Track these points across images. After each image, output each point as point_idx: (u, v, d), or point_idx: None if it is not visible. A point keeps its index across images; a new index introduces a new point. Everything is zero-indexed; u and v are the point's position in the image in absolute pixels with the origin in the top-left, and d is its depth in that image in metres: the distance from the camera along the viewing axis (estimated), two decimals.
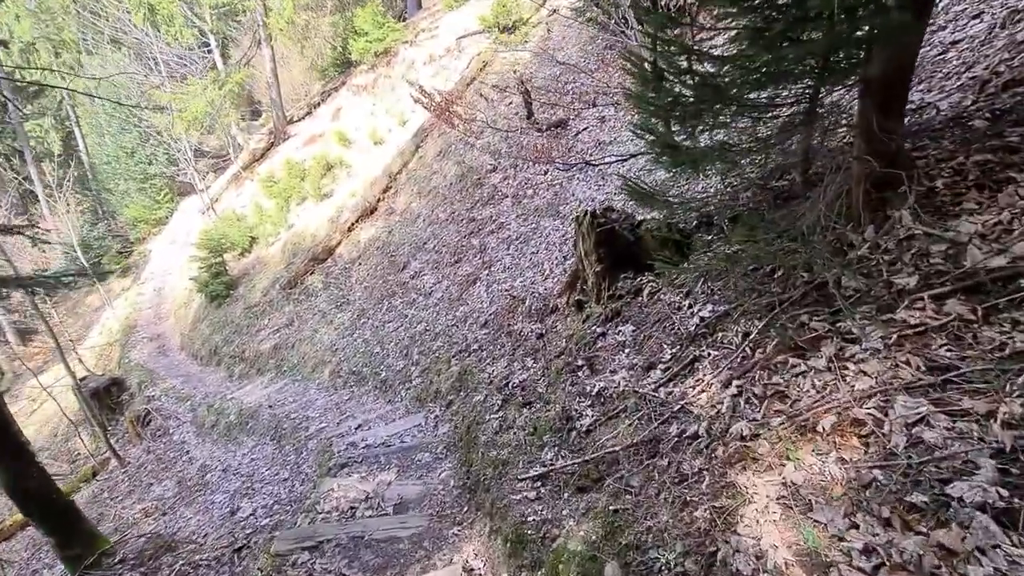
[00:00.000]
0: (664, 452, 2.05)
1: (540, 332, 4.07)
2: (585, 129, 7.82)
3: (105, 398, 9.78)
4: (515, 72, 8.82)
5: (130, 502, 7.58)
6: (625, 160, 4.98)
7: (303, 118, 17.92)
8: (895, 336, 1.80)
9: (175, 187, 22.91)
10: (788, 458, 1.63)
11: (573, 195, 6.61)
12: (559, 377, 3.27)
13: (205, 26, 17.99)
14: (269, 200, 13.49)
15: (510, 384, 3.82)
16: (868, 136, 2.25)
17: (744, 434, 1.83)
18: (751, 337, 2.26)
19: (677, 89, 2.62)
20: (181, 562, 3.19)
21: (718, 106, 2.33)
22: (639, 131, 2.87)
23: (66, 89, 16.84)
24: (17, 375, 16.60)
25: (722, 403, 2.03)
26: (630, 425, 2.36)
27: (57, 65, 28.09)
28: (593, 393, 2.82)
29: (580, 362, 3.20)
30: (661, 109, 2.62)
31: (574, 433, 2.71)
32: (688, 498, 1.76)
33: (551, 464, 2.61)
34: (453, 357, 5.24)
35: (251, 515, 4.35)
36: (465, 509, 3.02)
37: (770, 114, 2.80)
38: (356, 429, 5.41)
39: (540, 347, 3.89)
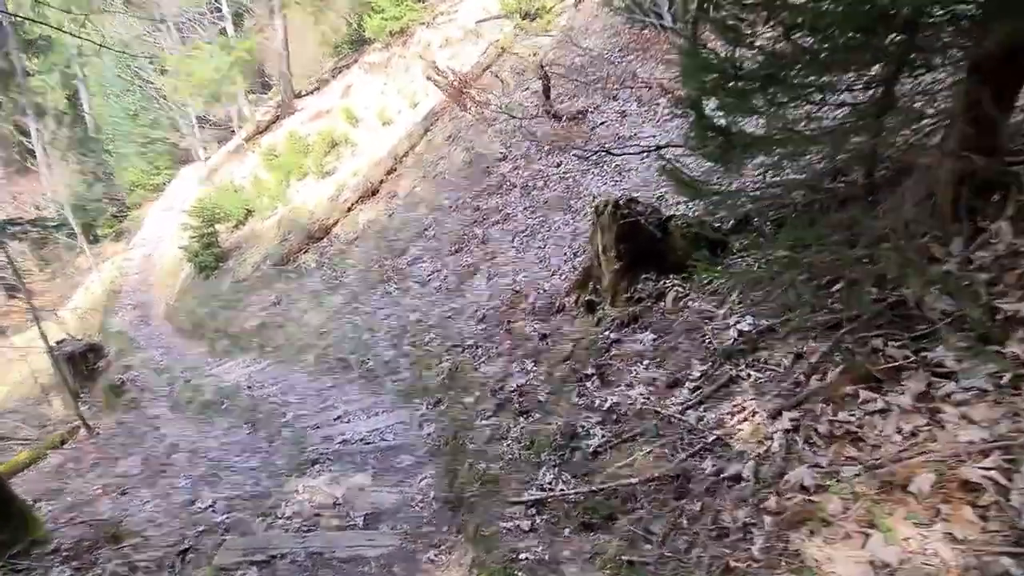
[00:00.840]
0: (696, 494, 1.67)
1: (544, 332, 3.68)
2: (603, 123, 7.42)
3: (81, 364, 9.35)
4: (535, 55, 8.40)
5: (93, 475, 7.15)
6: (651, 151, 4.57)
7: (312, 93, 17.47)
8: (1008, 375, 1.41)
9: (176, 154, 22.47)
10: (873, 525, 1.25)
11: (587, 189, 6.21)
12: (563, 386, 2.88)
13: None
14: (269, 173, 13.06)
15: (506, 388, 3.42)
16: (969, 129, 1.85)
17: (806, 484, 1.45)
18: (806, 360, 1.86)
19: (736, 59, 2.22)
20: (117, 561, 2.81)
21: (799, 78, 1.92)
22: (683, 110, 2.47)
23: (77, 37, 16.26)
24: (1, 331, 16.19)
25: (771, 439, 1.64)
26: (649, 453, 1.98)
27: (68, 21, 27.56)
28: (604, 408, 2.44)
29: (589, 370, 2.81)
30: (715, 84, 2.22)
31: (579, 454, 2.32)
32: (732, 562, 1.38)
33: (550, 488, 2.23)
34: (446, 352, 4.84)
35: (209, 507, 3.94)
36: (445, 529, 2.62)
37: (837, 99, 2.40)
38: (336, 420, 5.01)
39: (543, 349, 3.50)
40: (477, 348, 4.49)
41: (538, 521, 2.08)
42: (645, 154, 5.96)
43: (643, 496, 1.80)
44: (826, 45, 2.00)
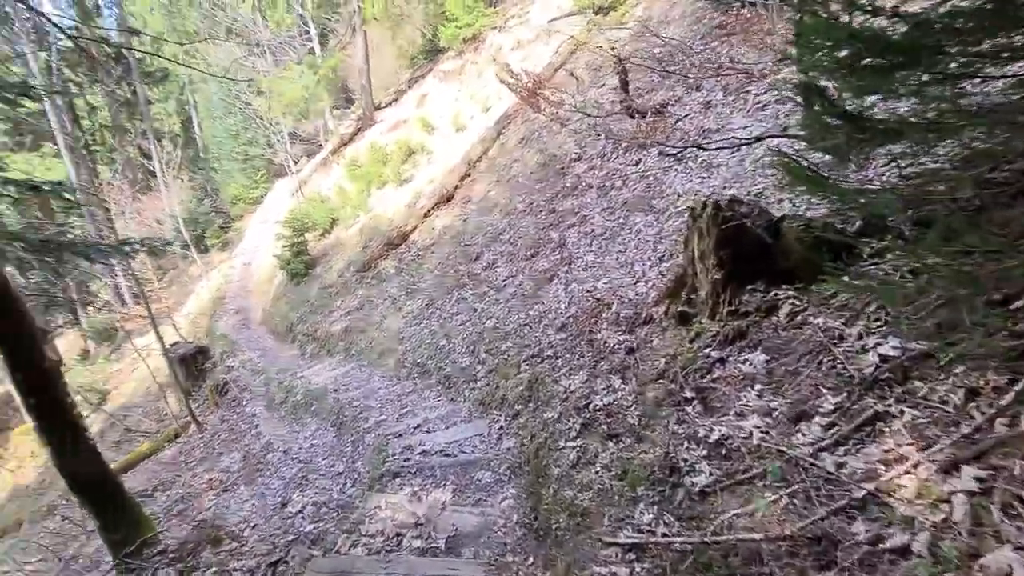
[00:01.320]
0: (846, 567, 1.35)
1: (630, 346, 3.40)
2: (687, 115, 6.92)
3: (192, 364, 10.27)
4: (612, 49, 8.05)
5: (201, 469, 7.80)
6: (749, 143, 4.13)
7: (390, 104, 18.16)
8: None
9: (271, 169, 24.33)
10: None
11: (670, 188, 5.80)
12: (658, 409, 2.60)
13: (306, 14, 18.70)
14: (352, 183, 13.68)
15: (591, 406, 3.19)
16: None
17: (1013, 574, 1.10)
18: (984, 397, 1.47)
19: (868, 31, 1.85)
20: (214, 569, 2.92)
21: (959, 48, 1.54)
22: (801, 92, 2.11)
23: (188, 67, 18.07)
24: (128, 333, 18.31)
25: (950, 503, 1.29)
26: (774, 502, 1.67)
27: (181, 53, 30.80)
28: (710, 440, 2.14)
29: (688, 393, 2.51)
30: (848, 60, 1.85)
31: (682, 492, 2.04)
32: None
33: (649, 530, 1.98)
34: (524, 361, 4.68)
35: (299, 513, 4.07)
36: (531, 561, 2.45)
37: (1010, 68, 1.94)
38: (415, 429, 5.02)
39: (630, 365, 3.22)
40: (557, 359, 4.28)
41: (638, 570, 1.83)
42: (738, 148, 5.47)
43: (771, 558, 1.50)
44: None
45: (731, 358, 2.48)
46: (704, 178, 5.45)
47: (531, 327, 5.27)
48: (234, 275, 14.82)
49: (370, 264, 10.28)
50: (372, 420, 5.92)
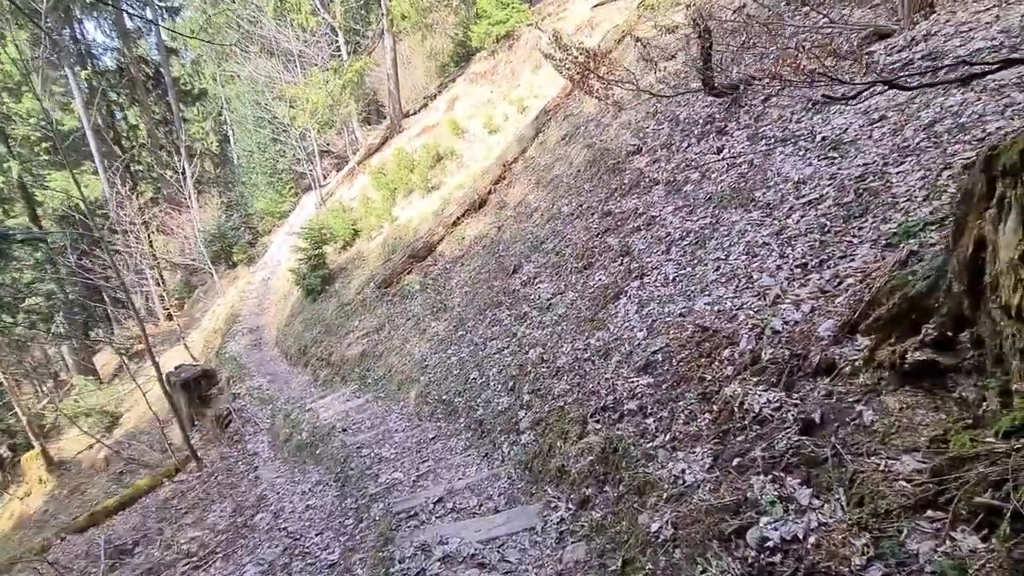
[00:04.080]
0: None
1: (805, 417, 1.94)
2: (782, 91, 5.45)
3: (195, 390, 9.23)
4: (689, 8, 6.68)
5: (189, 520, 6.61)
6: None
7: (419, 111, 17.25)
8: None
9: (301, 184, 23.82)
10: None
11: (778, 175, 4.34)
12: None
13: (333, 22, 18.08)
14: (377, 192, 12.65)
15: (740, 531, 1.74)
16: None
17: None
18: None
19: None
20: None
21: None
22: None
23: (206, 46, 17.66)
24: (126, 352, 17.63)
25: None
26: None
27: (219, 73, 31.18)
28: None
29: None
30: None
31: None
32: None
33: None
34: (591, 416, 3.26)
35: None
36: None
37: None
38: (436, 505, 3.64)
39: (816, 454, 1.76)
40: (647, 418, 2.85)
41: None
42: (878, 119, 4.02)
43: None
44: None
45: None
46: (832, 160, 3.97)
47: (595, 363, 3.85)
48: (252, 291, 13.92)
49: (392, 279, 9.08)
50: (383, 479, 4.59)
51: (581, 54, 6.10)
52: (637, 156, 6.74)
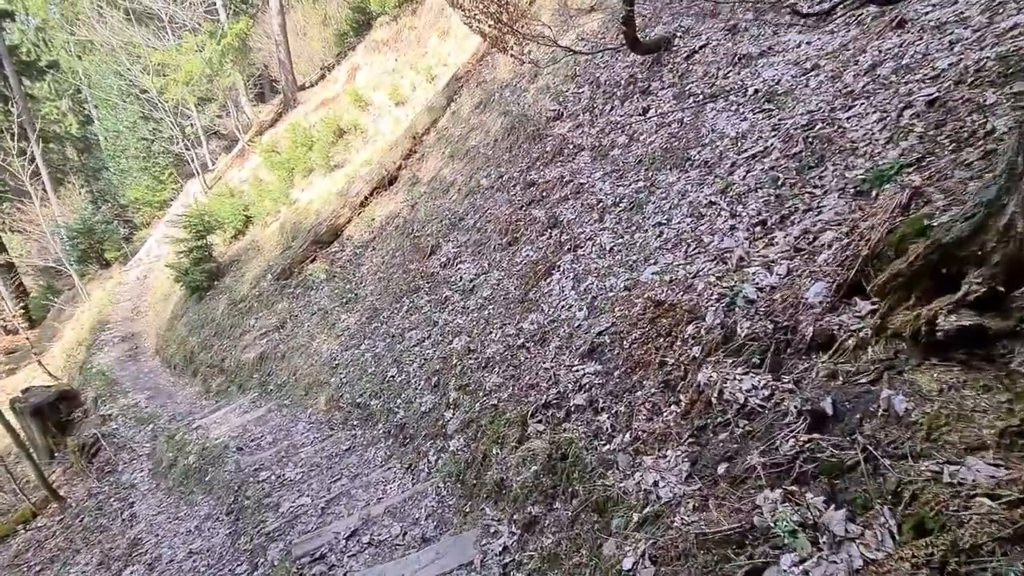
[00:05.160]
0: None
1: (814, 408, 1.52)
2: (703, 46, 5.18)
3: (51, 416, 7.62)
4: None
5: None
6: None
7: (316, 83, 15.65)
8: None
9: (182, 168, 21.02)
10: None
11: (713, 131, 4.02)
12: None
13: None
14: (271, 173, 11.21)
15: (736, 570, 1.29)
16: None
17: None
18: None
19: None
20: None
21: None
22: None
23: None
24: None
25: None
26: None
27: (72, 42, 26.60)
28: None
29: None
30: None
31: None
32: None
33: None
34: (530, 416, 2.74)
35: None
36: None
37: None
38: (349, 540, 2.96)
39: (839, 460, 1.34)
40: (598, 413, 2.38)
41: None
42: (814, 67, 3.81)
43: None
44: None
45: None
46: (768, 112, 3.69)
47: (530, 351, 3.33)
48: (124, 292, 11.92)
49: (293, 269, 8.00)
50: (286, 507, 3.81)
51: (494, 3, 5.45)
52: (558, 122, 6.25)
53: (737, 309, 2.01)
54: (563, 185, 5.22)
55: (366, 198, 8.38)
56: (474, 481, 2.89)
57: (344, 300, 6.93)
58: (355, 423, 4.91)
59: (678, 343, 2.19)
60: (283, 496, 4.00)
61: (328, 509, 3.53)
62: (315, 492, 3.92)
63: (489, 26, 5.64)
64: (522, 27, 5.68)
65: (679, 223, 3.24)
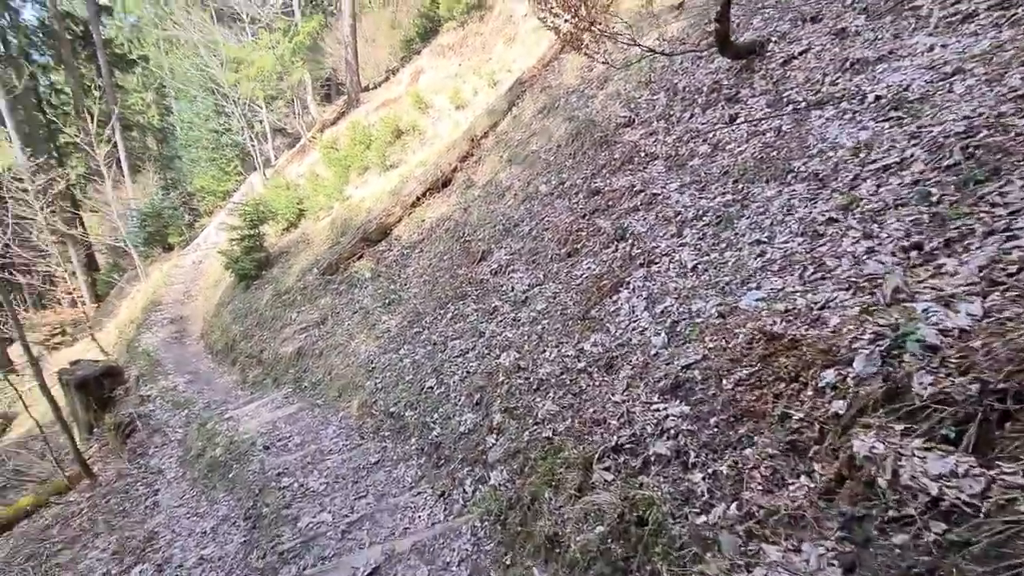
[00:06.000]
0: None
1: None
2: (803, 52, 4.62)
3: (94, 391, 7.70)
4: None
5: (63, 560, 5.25)
6: None
7: (379, 85, 15.85)
8: None
9: (247, 161, 21.82)
10: None
11: (822, 141, 3.47)
12: None
13: None
14: (328, 169, 11.27)
15: None
16: None
17: None
18: None
19: None
20: None
21: None
22: None
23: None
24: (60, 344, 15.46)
25: None
26: None
27: (161, 39, 28.47)
28: None
29: None
30: None
31: None
32: None
33: None
34: (596, 458, 2.26)
35: None
36: None
37: None
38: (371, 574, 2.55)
39: None
40: (688, 469, 1.88)
41: None
42: (954, 73, 3.21)
43: None
44: None
45: None
46: (897, 121, 3.11)
47: (594, 377, 2.85)
48: (179, 275, 12.22)
49: (339, 264, 7.84)
50: (305, 523, 3.46)
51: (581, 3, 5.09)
52: (629, 129, 5.79)
53: (908, 357, 1.48)
54: (633, 195, 4.75)
55: (418, 198, 8.16)
56: (519, 527, 2.43)
57: (387, 301, 6.66)
58: (386, 434, 4.55)
59: (808, 392, 1.68)
60: (303, 509, 3.66)
61: (349, 533, 3.15)
62: (337, 509, 3.55)
63: (565, 21, 5.28)
64: (601, 24, 5.28)
65: (786, 242, 2.71)
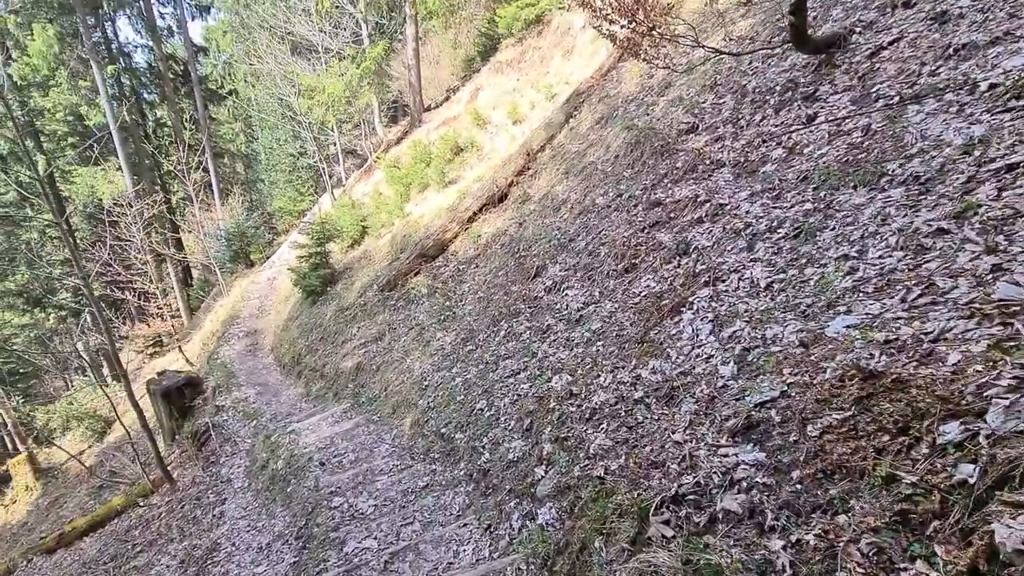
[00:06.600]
0: None
1: None
2: (894, 41, 4.10)
3: (177, 401, 8.25)
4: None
5: (140, 563, 5.55)
6: None
7: (440, 104, 16.25)
8: None
9: (320, 182, 23.14)
10: None
11: (923, 137, 3.00)
12: None
13: (357, 14, 17.26)
14: (390, 187, 11.60)
15: None
16: None
17: None
18: None
19: None
20: None
21: None
22: None
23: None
24: (157, 352, 16.92)
25: None
26: None
27: (250, 73, 31.09)
28: None
29: None
30: None
31: None
32: None
33: None
34: (653, 508, 1.98)
35: None
36: None
37: None
38: None
39: None
40: (764, 533, 1.55)
41: None
42: None
43: None
44: None
45: None
46: (1017, 112, 2.61)
47: (652, 409, 2.57)
48: (255, 291, 13.00)
49: (397, 281, 7.95)
50: (350, 548, 3.39)
51: (641, 7, 4.86)
52: (692, 135, 5.43)
53: None
54: (696, 206, 4.39)
55: (474, 214, 8.14)
56: (565, 570, 2.18)
57: (442, 317, 6.62)
58: (436, 456, 4.43)
59: (922, 449, 1.34)
60: (350, 532, 3.60)
61: (392, 565, 3.02)
62: (383, 535, 3.46)
63: (622, 27, 5.05)
64: (660, 27, 5.00)
65: (882, 258, 2.31)
